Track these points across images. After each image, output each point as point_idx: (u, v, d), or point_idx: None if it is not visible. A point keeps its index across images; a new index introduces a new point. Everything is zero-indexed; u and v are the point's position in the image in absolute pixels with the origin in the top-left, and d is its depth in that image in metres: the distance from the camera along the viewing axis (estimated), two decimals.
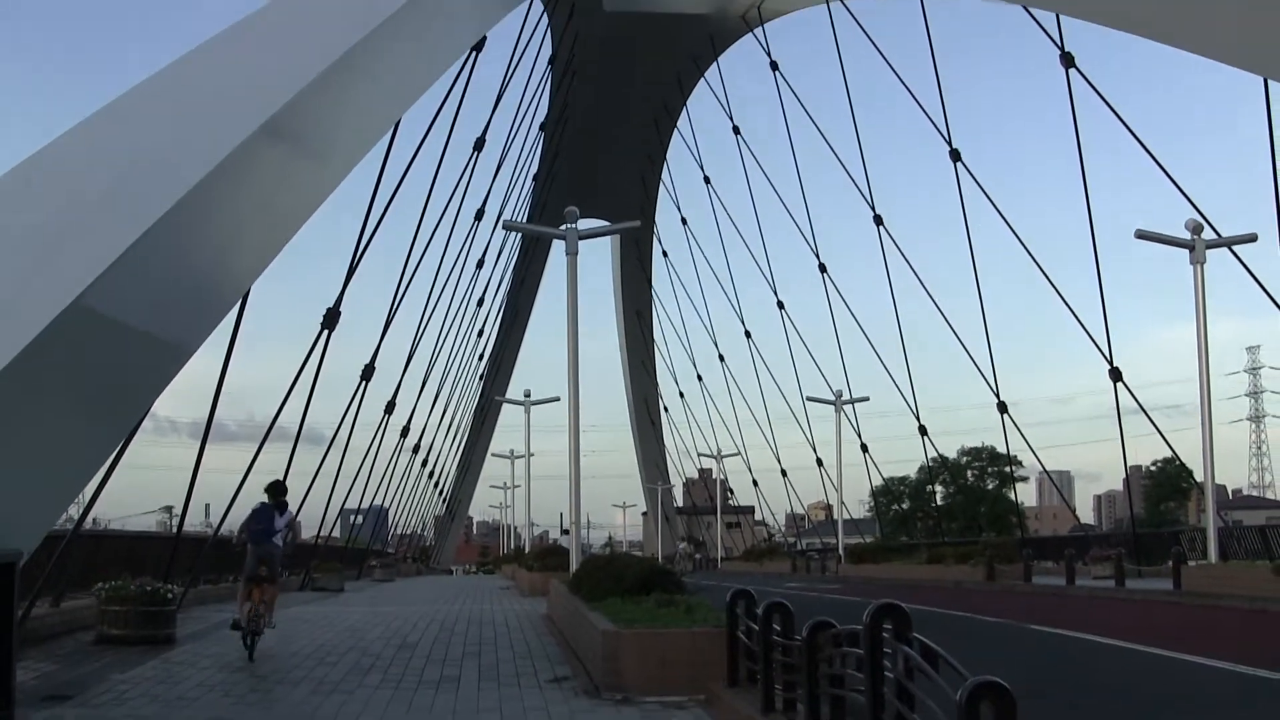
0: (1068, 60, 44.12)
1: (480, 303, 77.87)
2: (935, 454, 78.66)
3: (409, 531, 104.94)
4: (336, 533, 71.13)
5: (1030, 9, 43.36)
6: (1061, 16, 42.64)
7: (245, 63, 15.72)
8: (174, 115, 14.00)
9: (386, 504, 73.76)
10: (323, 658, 20.42)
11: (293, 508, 23.85)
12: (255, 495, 23.40)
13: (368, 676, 17.88)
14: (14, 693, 12.35)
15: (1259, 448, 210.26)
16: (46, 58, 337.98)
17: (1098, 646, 21.61)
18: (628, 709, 14.21)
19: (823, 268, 68.75)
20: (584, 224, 36.04)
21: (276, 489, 22.96)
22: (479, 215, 60.50)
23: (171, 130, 13.57)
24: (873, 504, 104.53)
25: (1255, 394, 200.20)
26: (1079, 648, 21.63)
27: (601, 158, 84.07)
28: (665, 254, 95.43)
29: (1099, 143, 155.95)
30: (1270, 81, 33.82)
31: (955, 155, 52.85)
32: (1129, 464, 57.46)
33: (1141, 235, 40.77)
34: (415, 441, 73.73)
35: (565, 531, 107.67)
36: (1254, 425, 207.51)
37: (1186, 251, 39.69)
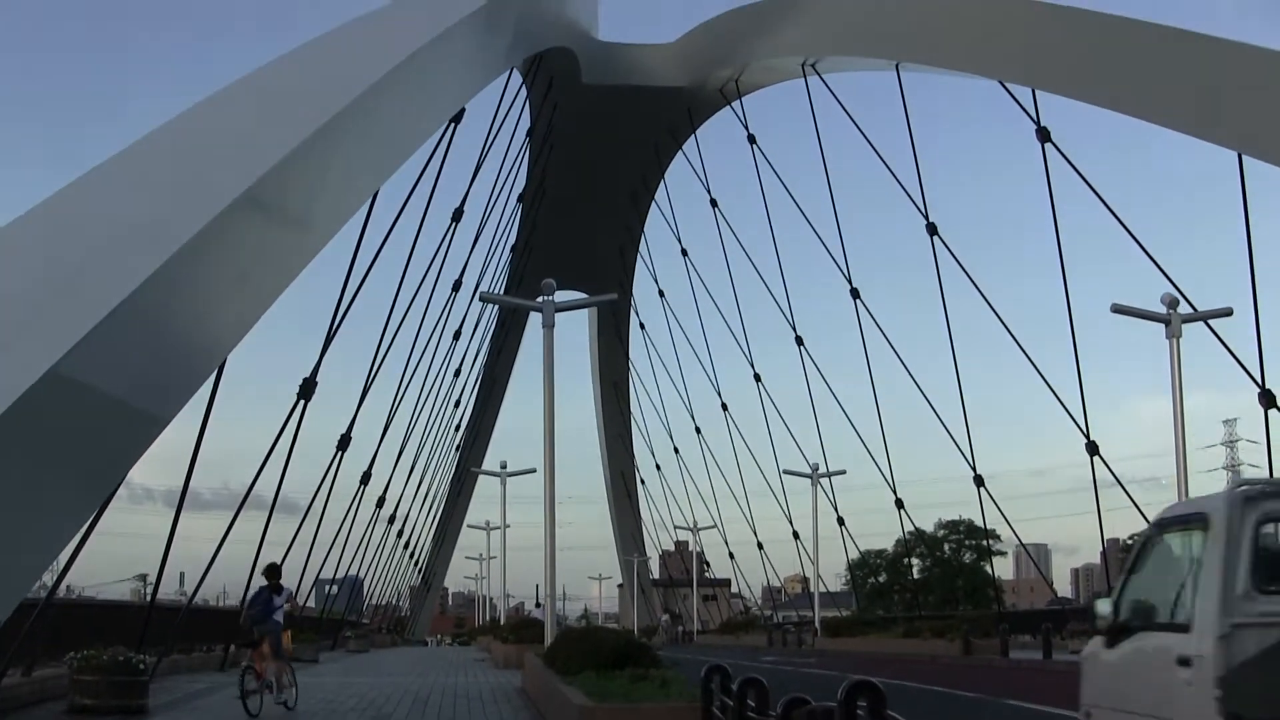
0: (1044, 135, 44.32)
1: (457, 373, 77.76)
2: (912, 527, 78.53)
3: (384, 602, 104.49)
4: (311, 602, 70.78)
5: (1006, 84, 43.67)
6: (1037, 91, 42.95)
7: (225, 133, 15.79)
8: (153, 184, 14.04)
9: (362, 574, 73.44)
10: None
11: (281, 584, 25.53)
12: (230, 563, 23.98)
13: None
14: None
15: None
16: (25, 122, 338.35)
17: None
18: None
19: (800, 340, 68.80)
20: (561, 296, 36.08)
21: (273, 572, 25.36)
22: (456, 286, 60.43)
23: (150, 199, 13.60)
24: (849, 577, 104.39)
25: (1232, 467, 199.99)
26: None
27: (579, 229, 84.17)
28: (643, 326, 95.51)
29: (1075, 216, 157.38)
30: (1244, 157, 34.06)
31: (932, 229, 52.91)
32: (1106, 537, 57.41)
33: (1117, 310, 40.88)
34: (391, 512, 73.46)
35: (539, 605, 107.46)
36: None
37: (1163, 325, 39.82)
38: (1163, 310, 39.97)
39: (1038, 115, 44.25)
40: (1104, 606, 12.19)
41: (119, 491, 18.34)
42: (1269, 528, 10.59)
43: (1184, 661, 10.17)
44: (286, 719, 23.09)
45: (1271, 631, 9.86)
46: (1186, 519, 11.56)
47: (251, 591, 25.26)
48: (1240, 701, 9.60)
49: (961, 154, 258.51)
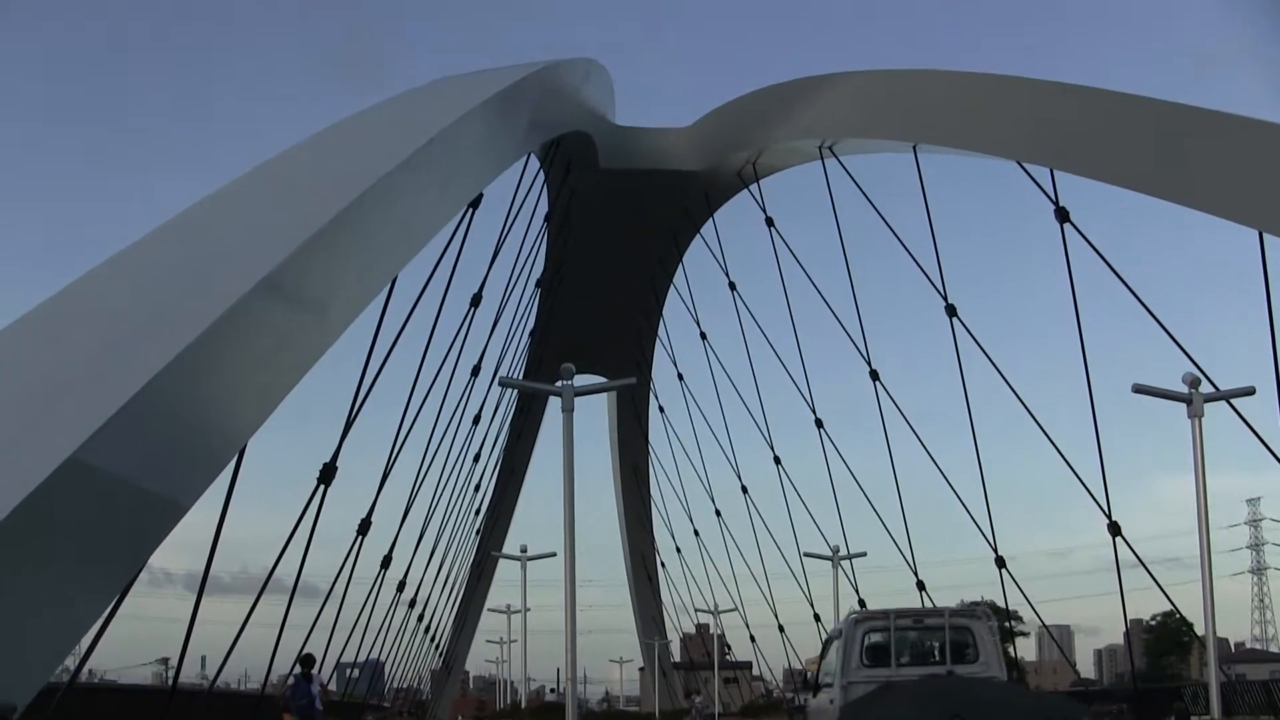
0: (1062, 215, 44.28)
1: (477, 458, 77.62)
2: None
3: (405, 685, 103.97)
4: (333, 686, 70.45)
5: (1024, 165, 43.76)
6: (1056, 172, 43.01)
7: (242, 220, 15.93)
8: (172, 270, 14.16)
9: (383, 658, 73.16)
10: None
11: (314, 673, 29.98)
12: (251, 647, 24.14)
13: None
14: None
15: (1261, 600, 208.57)
16: (42, 205, 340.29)
17: None
18: None
19: (819, 423, 68.61)
20: (580, 380, 36.15)
21: (308, 661, 29.74)
22: (475, 371, 60.46)
23: (168, 286, 13.72)
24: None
25: (1256, 546, 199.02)
26: None
27: (598, 313, 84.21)
28: (662, 409, 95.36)
29: (1096, 296, 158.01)
30: (1266, 235, 34.07)
31: (951, 310, 52.80)
32: (1129, 618, 57.06)
33: (1139, 389, 40.86)
34: (412, 596, 73.28)
35: (553, 690, 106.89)
36: (1255, 578, 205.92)
37: (1185, 405, 39.76)
38: (1184, 389, 39.92)
39: (1056, 195, 44.28)
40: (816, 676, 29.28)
41: (141, 576, 18.41)
42: (869, 636, 25.60)
43: (832, 700, 24.63)
44: None
45: (867, 686, 23.85)
46: (839, 631, 26.86)
47: (290, 682, 29.14)
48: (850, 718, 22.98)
49: (981, 234, 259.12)
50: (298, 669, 28.96)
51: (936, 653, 26.99)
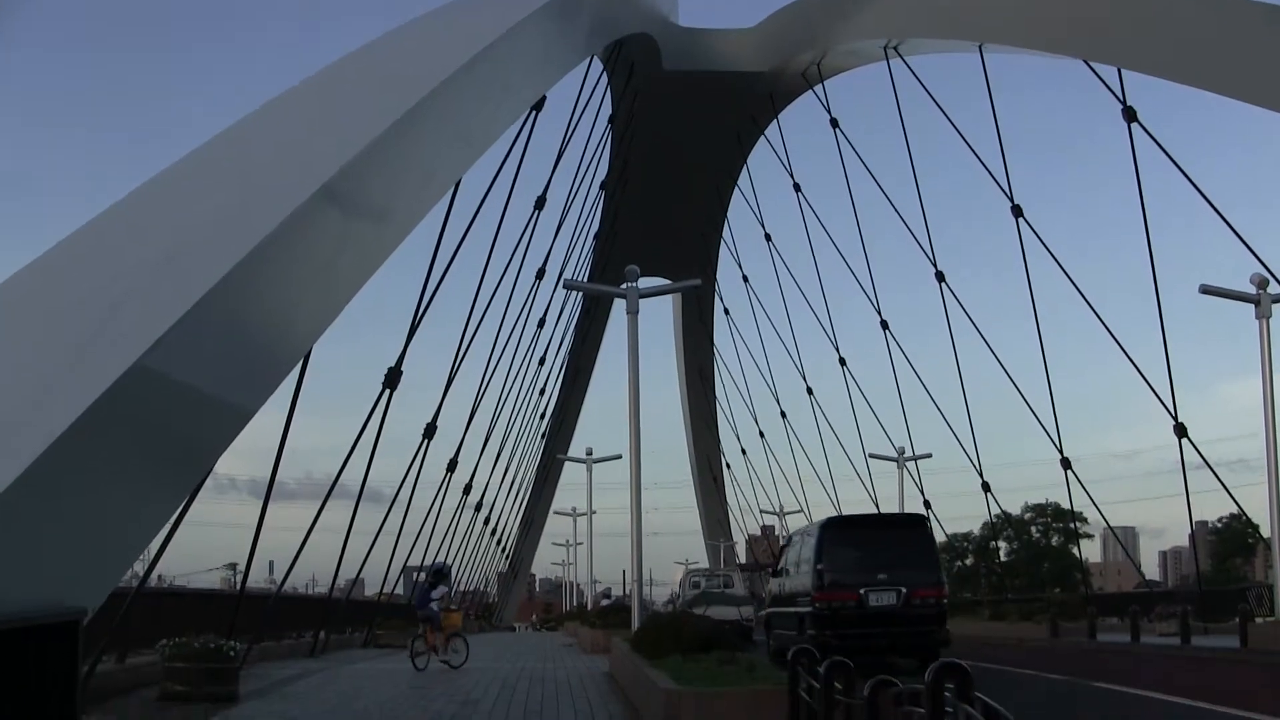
0: (1130, 114, 43.87)
1: (542, 361, 77.86)
2: (999, 510, 77.98)
3: (472, 589, 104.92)
4: (400, 590, 71.13)
5: (1091, 63, 43.25)
6: (1123, 70, 42.51)
7: (304, 126, 15.87)
8: (233, 179, 14.14)
9: (449, 562, 73.67)
10: (386, 714, 20.42)
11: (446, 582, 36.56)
12: (318, 552, 24.40)
13: None
14: None
15: None
16: (105, 120, 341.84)
17: (1164, 705, 21.43)
18: None
19: (885, 324, 68.48)
20: (645, 282, 36.08)
21: (437, 572, 36.03)
22: (540, 274, 60.55)
23: (230, 194, 13.70)
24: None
25: None
26: (1143, 706, 21.45)
27: (662, 216, 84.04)
28: (726, 311, 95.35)
29: (1163, 197, 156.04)
30: None
31: (1017, 211, 52.56)
32: (1194, 520, 57.00)
33: (1206, 290, 40.52)
34: (478, 500, 73.76)
35: (605, 595, 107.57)
36: None
37: (1252, 306, 39.40)
38: (1252, 290, 39.55)
39: (1124, 94, 43.82)
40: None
41: (206, 482, 18.54)
42: (837, 534, 32.67)
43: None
44: (447, 674, 30.10)
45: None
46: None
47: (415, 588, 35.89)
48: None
49: (1047, 135, 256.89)
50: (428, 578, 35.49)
51: (721, 585, 57.10)
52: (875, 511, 62.84)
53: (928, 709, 8.11)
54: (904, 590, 31.07)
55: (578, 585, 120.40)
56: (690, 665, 18.28)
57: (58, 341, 11.14)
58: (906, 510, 67.16)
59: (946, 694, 7.95)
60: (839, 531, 33.22)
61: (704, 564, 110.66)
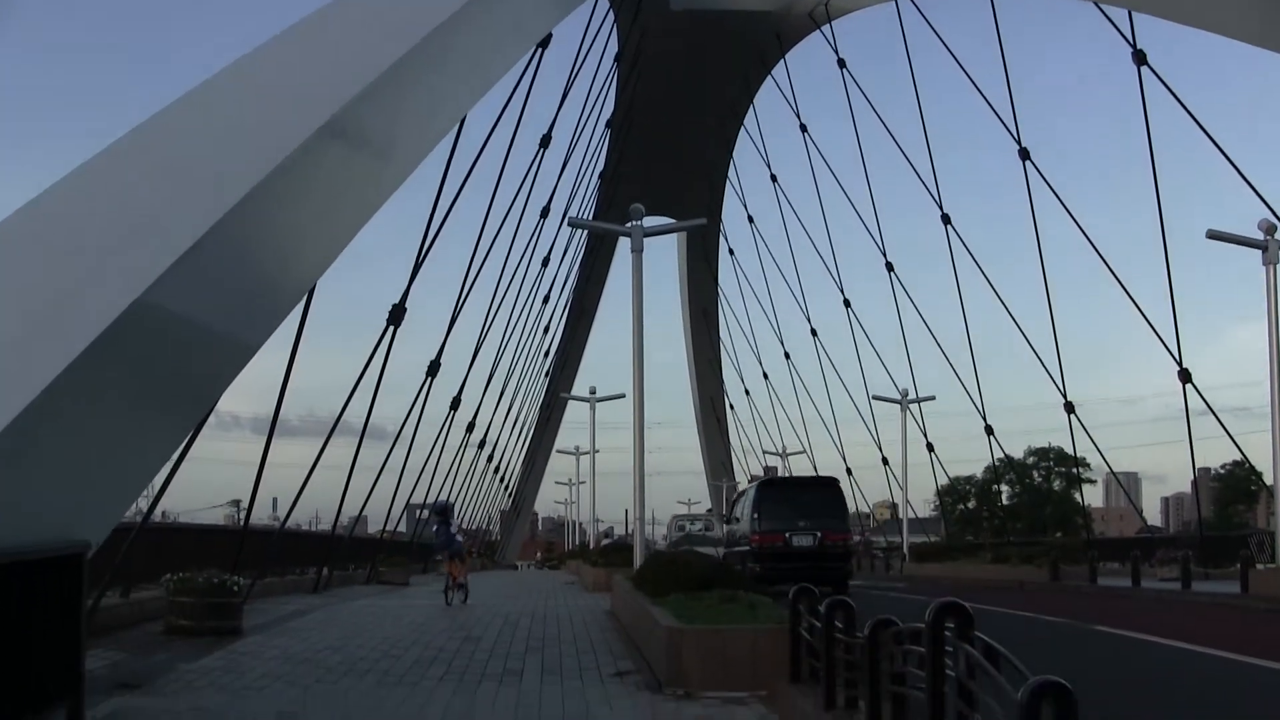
0: (1140, 58, 43.73)
1: (546, 300, 78.01)
2: (1001, 454, 78.30)
3: (475, 527, 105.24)
4: (403, 527, 71.36)
5: (1102, 5, 43.06)
6: (1134, 13, 42.31)
7: (306, 62, 15.78)
8: (235, 115, 14.08)
9: (452, 499, 73.86)
10: (387, 650, 20.51)
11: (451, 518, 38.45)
12: (321, 487, 24.58)
13: (431, 669, 17.96)
14: (84, 681, 12.48)
15: None
16: (102, 59, 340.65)
17: (1162, 649, 21.50)
18: (689, 704, 14.23)
19: (890, 266, 68.51)
20: (650, 221, 36.00)
21: (447, 510, 37.30)
22: (544, 213, 60.55)
23: (233, 130, 13.65)
24: (938, 503, 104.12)
25: None
26: (1143, 650, 21.52)
27: (668, 156, 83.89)
28: (731, 252, 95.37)
29: (1171, 141, 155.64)
30: None
31: (1024, 154, 52.53)
32: (1197, 466, 57.03)
33: (1213, 235, 40.38)
34: (481, 437, 73.93)
35: (607, 535, 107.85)
36: None
37: (1259, 252, 39.26)
38: (1259, 236, 39.42)
39: (1134, 38, 43.67)
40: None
41: (209, 419, 18.58)
42: (770, 491, 43.02)
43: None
44: (448, 611, 30.86)
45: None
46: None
47: (434, 529, 36.66)
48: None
49: (1055, 78, 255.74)
50: (436, 517, 36.72)
51: (703, 529, 71.17)
52: (811, 474, 75.18)
53: (927, 648, 8.14)
54: (819, 534, 40.53)
55: (580, 524, 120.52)
56: (692, 603, 18.31)
57: (62, 277, 11.13)
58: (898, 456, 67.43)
59: (947, 633, 7.98)
60: (771, 489, 44.15)
61: (706, 504, 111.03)
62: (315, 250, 15.69)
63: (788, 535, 40.29)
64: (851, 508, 53.95)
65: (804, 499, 41.97)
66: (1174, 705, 15.08)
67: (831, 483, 44.98)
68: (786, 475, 70.32)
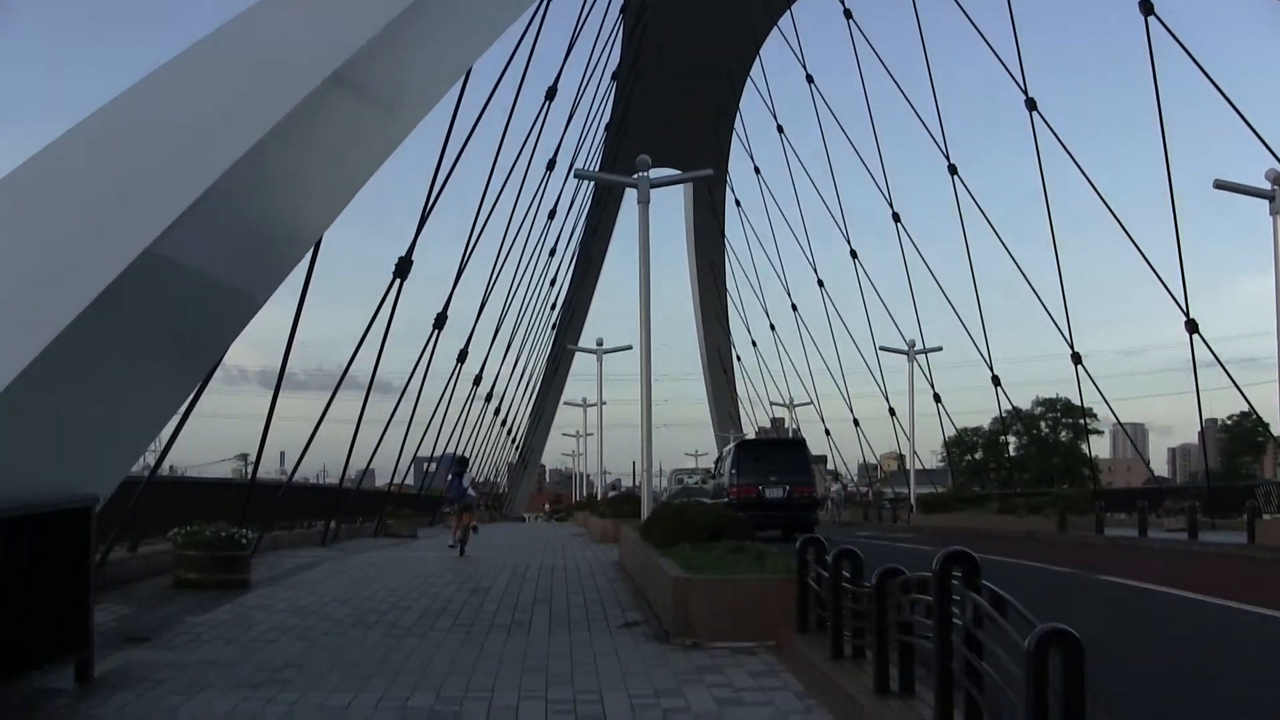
0: (1147, 8, 43.58)
1: (552, 252, 77.92)
2: (1009, 405, 78.25)
3: (482, 479, 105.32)
4: (410, 480, 71.44)
5: None
6: None
7: (312, 13, 15.74)
8: (242, 67, 14.05)
9: (459, 453, 73.95)
10: (395, 602, 20.56)
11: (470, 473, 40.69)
12: (328, 441, 24.45)
13: (439, 621, 18.00)
14: (93, 634, 12.53)
15: None
16: (108, 7, 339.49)
17: (1169, 598, 21.53)
18: (697, 654, 14.26)
19: (896, 217, 68.49)
20: (656, 173, 35.91)
21: (462, 463, 39.57)
22: (551, 165, 60.47)
23: (240, 82, 13.62)
24: (945, 454, 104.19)
25: None
26: (1149, 599, 21.55)
27: (674, 108, 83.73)
28: (738, 203, 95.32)
29: (1179, 91, 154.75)
30: None
31: (1031, 104, 52.44)
32: (1204, 417, 57.07)
33: (1220, 185, 40.24)
34: (488, 390, 73.97)
35: (614, 487, 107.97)
36: None
37: (1266, 202, 39.11)
38: (1267, 186, 39.28)
39: None
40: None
41: (216, 373, 18.60)
42: (746, 451, 49.53)
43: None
44: (457, 563, 30.78)
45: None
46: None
47: (449, 479, 37.88)
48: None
49: (1062, 28, 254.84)
50: (452, 469, 38.58)
51: (700, 482, 78.40)
52: (781, 437, 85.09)
53: (934, 597, 8.15)
54: (788, 487, 46.29)
55: (587, 476, 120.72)
56: (699, 554, 18.33)
57: (70, 229, 11.13)
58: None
59: (954, 582, 7.99)
60: (748, 449, 51.24)
61: (714, 456, 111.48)
62: (322, 203, 15.68)
63: (761, 488, 46.22)
64: (858, 458, 58.20)
65: (774, 457, 48.85)
66: (1178, 653, 15.11)
67: (799, 444, 54.03)
68: (761, 437, 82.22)
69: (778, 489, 46.13)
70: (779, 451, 51.24)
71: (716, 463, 63.21)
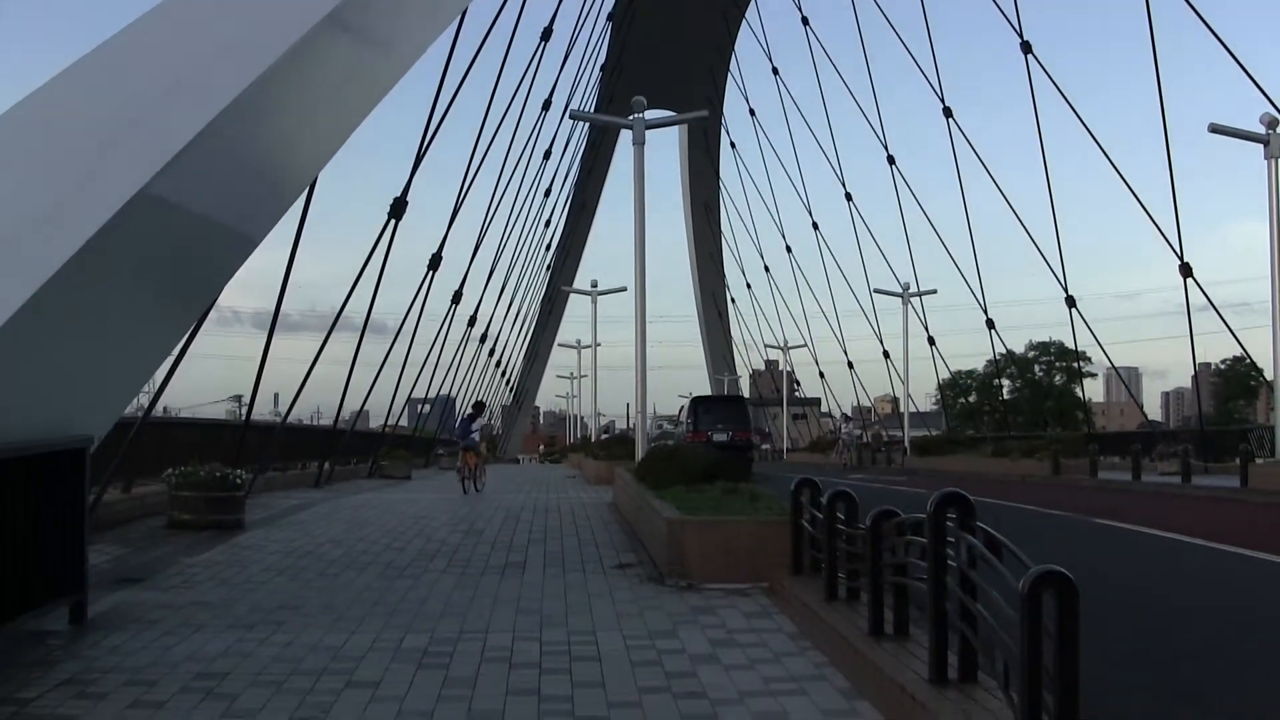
0: None
1: (548, 193, 77.84)
2: (1003, 348, 78.33)
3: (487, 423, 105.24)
4: (404, 421, 71.50)
5: None
6: None
7: None
8: (239, 6, 13.98)
9: (454, 394, 74.04)
10: (389, 543, 20.60)
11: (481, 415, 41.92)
12: (322, 382, 24.59)
13: (433, 562, 18.04)
14: (87, 575, 12.55)
15: None
16: None
17: (1161, 541, 21.60)
18: (691, 595, 14.30)
19: (891, 160, 68.44)
20: (651, 114, 35.86)
21: (477, 407, 42.41)
22: (546, 106, 60.39)
23: (236, 21, 13.54)
24: (939, 397, 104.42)
25: None
26: (1142, 542, 21.61)
27: (670, 49, 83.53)
28: (733, 145, 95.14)
29: (1173, 35, 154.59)
30: None
31: (1026, 47, 52.36)
32: (1197, 361, 57.15)
33: (1215, 129, 40.18)
34: (482, 331, 73.97)
35: (607, 429, 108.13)
36: None
37: (1261, 146, 39.05)
38: (1261, 130, 39.21)
39: None
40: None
41: (210, 314, 18.56)
42: (699, 405, 58.47)
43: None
44: (453, 504, 31.03)
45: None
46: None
47: (459, 419, 40.59)
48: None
49: None
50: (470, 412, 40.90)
51: (675, 425, 68.23)
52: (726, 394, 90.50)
53: (929, 538, 8.16)
54: (731, 433, 53.71)
55: (581, 418, 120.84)
56: (694, 495, 18.38)
57: (65, 167, 11.07)
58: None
59: (949, 524, 7.99)
60: (700, 403, 59.37)
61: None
62: (317, 143, 15.62)
63: (710, 433, 53.30)
64: (852, 400, 59.88)
65: (721, 409, 58.83)
66: (1169, 594, 15.17)
67: (739, 399, 70.20)
68: (711, 395, 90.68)
69: (723, 434, 53.58)
70: (724, 405, 62.59)
71: (678, 413, 72.28)
